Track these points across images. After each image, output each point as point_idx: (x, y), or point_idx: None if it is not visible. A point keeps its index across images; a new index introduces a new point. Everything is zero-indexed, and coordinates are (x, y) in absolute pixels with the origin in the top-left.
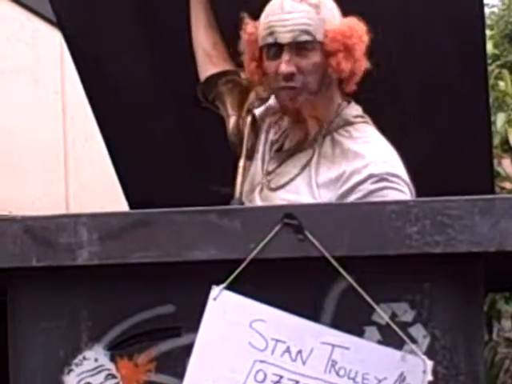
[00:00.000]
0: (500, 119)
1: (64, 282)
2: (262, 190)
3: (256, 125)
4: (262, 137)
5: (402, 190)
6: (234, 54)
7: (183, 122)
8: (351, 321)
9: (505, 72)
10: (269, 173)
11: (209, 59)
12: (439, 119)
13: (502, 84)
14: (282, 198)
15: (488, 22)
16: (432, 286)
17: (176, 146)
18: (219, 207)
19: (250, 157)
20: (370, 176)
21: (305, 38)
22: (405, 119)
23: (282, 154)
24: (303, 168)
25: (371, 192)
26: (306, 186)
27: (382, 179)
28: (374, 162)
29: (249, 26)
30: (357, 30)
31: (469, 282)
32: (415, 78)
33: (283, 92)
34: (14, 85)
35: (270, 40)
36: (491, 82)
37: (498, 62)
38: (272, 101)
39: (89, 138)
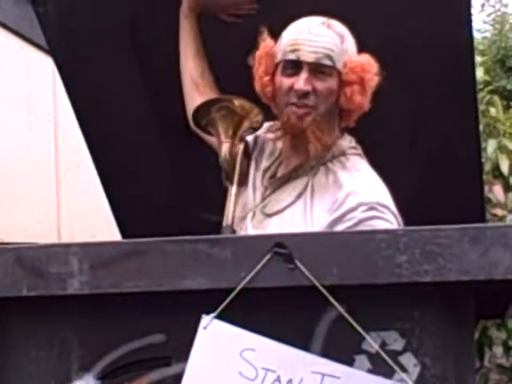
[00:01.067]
0: (491, 145)
1: (54, 312)
2: (253, 216)
3: (248, 152)
4: (253, 164)
5: (390, 221)
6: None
7: (174, 151)
8: (341, 349)
9: (496, 98)
10: (262, 199)
11: (196, 87)
12: (428, 146)
13: (492, 110)
14: (276, 224)
15: (480, 47)
16: (422, 315)
17: (167, 175)
18: (209, 236)
19: (242, 183)
20: (360, 204)
21: (327, 62)
22: (393, 147)
23: (276, 180)
24: (298, 196)
25: (361, 221)
26: (301, 215)
27: (372, 208)
28: (365, 192)
29: (267, 40)
30: (373, 67)
31: (459, 310)
32: (403, 105)
33: (293, 108)
34: (7, 112)
35: (292, 57)
36: (482, 107)
37: (489, 88)
38: (263, 129)
39: (81, 165)
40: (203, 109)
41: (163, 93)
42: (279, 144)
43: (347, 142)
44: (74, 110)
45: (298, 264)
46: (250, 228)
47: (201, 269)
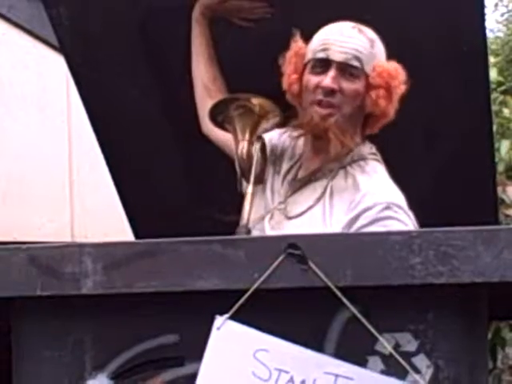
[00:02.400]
0: (504, 146)
1: (68, 312)
2: (272, 217)
3: (265, 151)
4: (270, 167)
5: (405, 222)
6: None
7: (187, 151)
8: (354, 351)
9: (509, 99)
10: (282, 201)
11: (207, 93)
12: (442, 147)
13: (506, 111)
14: (296, 227)
15: (493, 47)
16: (435, 316)
17: (180, 175)
18: (223, 237)
19: (259, 182)
20: (376, 204)
21: (355, 63)
22: (407, 148)
23: (296, 182)
24: (318, 199)
25: (376, 220)
26: (320, 218)
27: (387, 208)
28: (381, 192)
29: (299, 41)
30: (400, 74)
31: (472, 312)
32: (417, 107)
33: (317, 108)
34: (20, 112)
35: (322, 55)
36: (495, 108)
37: (503, 88)
38: (279, 134)
39: (94, 165)
40: (221, 105)
41: (176, 94)
42: (298, 148)
43: (368, 148)
44: (87, 111)
45: (312, 265)
46: (268, 229)
47: (214, 269)
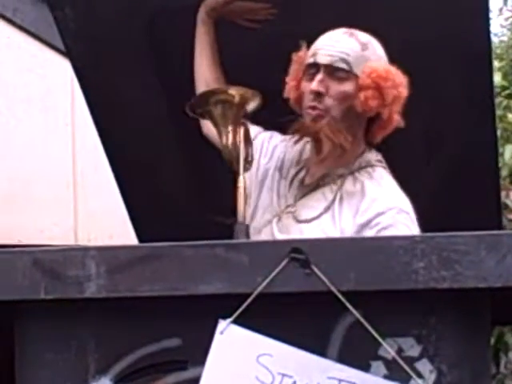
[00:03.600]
0: (508, 151)
1: (71, 315)
2: (279, 220)
3: (249, 136)
4: (277, 172)
5: (413, 228)
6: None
7: (190, 155)
8: (358, 355)
9: None
10: (290, 205)
11: None
12: (446, 152)
13: (510, 116)
14: (305, 232)
15: (498, 51)
16: (438, 321)
17: (182, 178)
18: (226, 241)
19: (248, 170)
20: (388, 209)
21: (341, 65)
22: (412, 153)
23: (304, 187)
24: (327, 205)
25: (387, 226)
26: (330, 223)
27: (399, 213)
28: (390, 198)
29: (301, 51)
30: (394, 77)
31: (475, 316)
32: (421, 111)
33: (309, 111)
34: (25, 114)
35: (311, 60)
36: (499, 113)
37: (507, 92)
38: (280, 139)
39: (98, 167)
40: (202, 101)
41: (181, 97)
42: (305, 153)
43: (374, 155)
44: (92, 113)
45: (315, 269)
46: (276, 232)
47: (217, 273)
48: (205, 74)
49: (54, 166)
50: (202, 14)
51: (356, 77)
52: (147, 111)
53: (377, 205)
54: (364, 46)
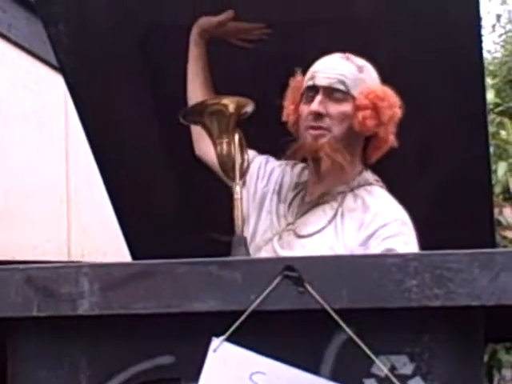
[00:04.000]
0: (501, 168)
1: (64, 332)
2: (280, 238)
3: (243, 142)
4: (275, 195)
5: (413, 241)
6: None
7: (184, 172)
8: (351, 373)
9: (506, 121)
10: (290, 223)
11: None
12: (438, 169)
13: (503, 133)
14: (308, 248)
15: (491, 67)
16: (431, 339)
17: (176, 196)
18: (220, 258)
19: (243, 176)
20: (391, 220)
21: (339, 86)
22: (403, 171)
23: (305, 205)
24: (329, 221)
25: (394, 235)
26: (333, 237)
27: (400, 225)
28: (392, 212)
29: (298, 76)
30: (390, 97)
31: (468, 334)
32: (413, 128)
33: (310, 131)
34: (19, 130)
35: (310, 83)
36: (492, 130)
37: (500, 109)
38: (278, 163)
39: (92, 183)
40: (195, 113)
41: (174, 115)
42: (303, 177)
43: (371, 175)
44: (85, 130)
45: (308, 287)
46: (278, 248)
47: (211, 291)
48: (197, 97)
49: (47, 181)
50: (194, 36)
51: (353, 98)
52: (140, 128)
53: (380, 217)
54: (360, 69)
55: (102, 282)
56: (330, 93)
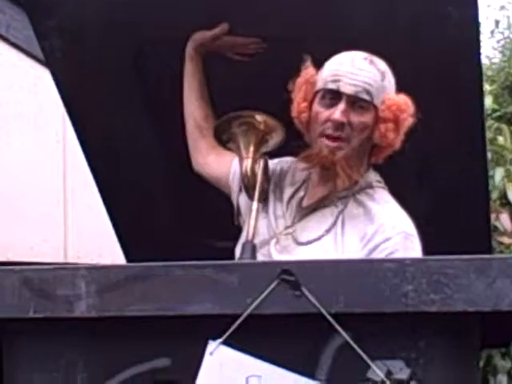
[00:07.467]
0: (498, 174)
1: (61, 334)
2: (277, 242)
3: (267, 172)
4: (271, 194)
5: (419, 252)
6: None
7: (178, 178)
8: (346, 377)
9: (503, 126)
10: (287, 226)
11: (199, 130)
12: (436, 175)
13: (500, 139)
14: (308, 253)
15: (489, 73)
16: (427, 344)
17: (171, 202)
18: (216, 262)
19: (262, 200)
20: (395, 234)
21: (365, 96)
22: (402, 176)
23: (303, 209)
24: (329, 227)
25: (397, 250)
26: (332, 245)
27: (406, 238)
28: (397, 222)
29: (309, 68)
30: (409, 108)
31: (464, 340)
32: (410, 135)
33: (326, 141)
34: (16, 131)
35: (333, 86)
36: (490, 135)
37: (497, 114)
38: (277, 161)
39: (88, 185)
40: (224, 124)
41: (169, 127)
42: (299, 174)
43: (373, 175)
44: (80, 142)
45: (305, 291)
46: (275, 253)
47: (207, 294)
48: (194, 112)
49: (44, 182)
50: (189, 51)
51: (375, 107)
52: (136, 140)
53: (384, 230)
54: (383, 76)
55: (98, 285)
56: (354, 101)
